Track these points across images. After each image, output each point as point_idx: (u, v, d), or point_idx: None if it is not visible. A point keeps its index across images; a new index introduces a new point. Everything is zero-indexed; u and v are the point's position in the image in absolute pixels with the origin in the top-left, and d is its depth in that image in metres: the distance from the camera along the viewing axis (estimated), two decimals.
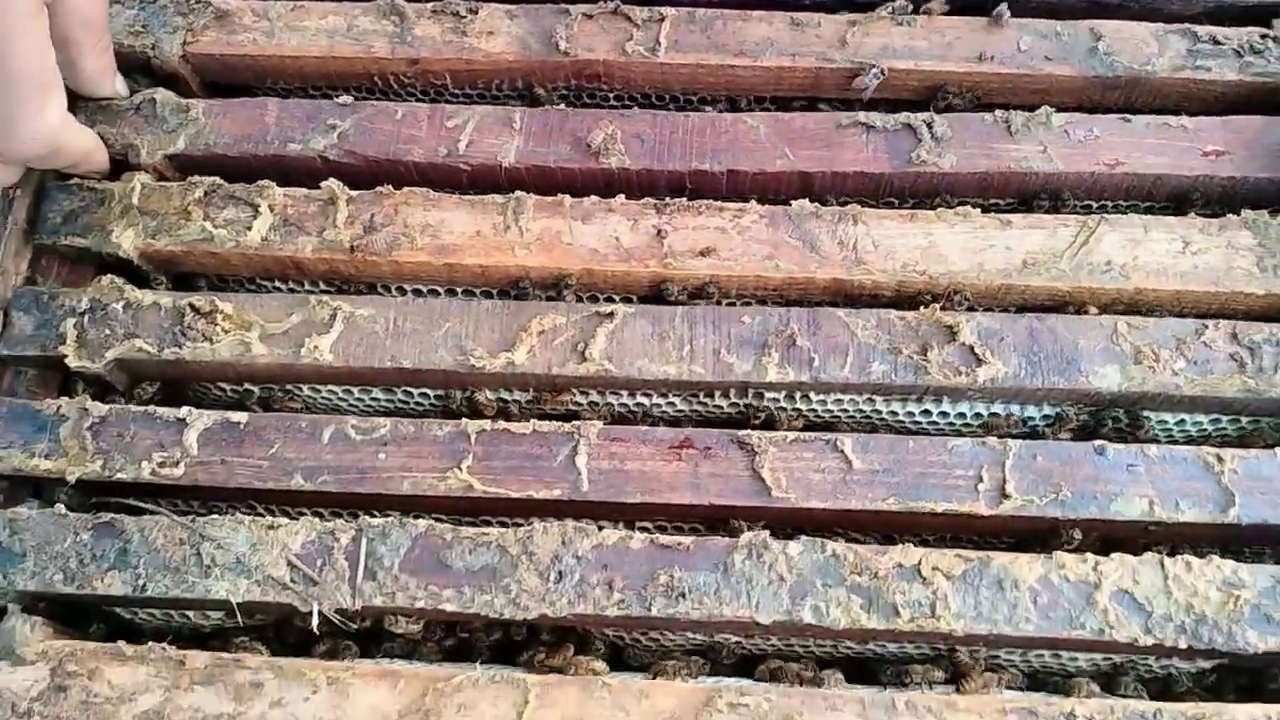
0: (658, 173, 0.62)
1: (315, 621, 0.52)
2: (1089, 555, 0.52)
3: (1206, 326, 0.57)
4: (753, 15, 0.66)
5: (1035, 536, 0.55)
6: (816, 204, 0.61)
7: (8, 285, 0.61)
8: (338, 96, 0.66)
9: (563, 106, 0.65)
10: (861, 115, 0.63)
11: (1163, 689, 0.56)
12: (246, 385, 0.63)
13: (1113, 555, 0.52)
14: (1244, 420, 0.60)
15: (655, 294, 0.61)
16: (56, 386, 0.61)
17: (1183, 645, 0.51)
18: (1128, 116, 0.62)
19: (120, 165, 0.65)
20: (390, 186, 0.62)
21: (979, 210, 0.60)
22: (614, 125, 0.62)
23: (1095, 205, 0.63)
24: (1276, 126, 0.61)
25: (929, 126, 0.61)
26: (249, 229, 0.61)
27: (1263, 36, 0.64)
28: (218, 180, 0.62)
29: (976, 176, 0.61)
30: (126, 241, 0.61)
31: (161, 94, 0.64)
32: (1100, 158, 0.60)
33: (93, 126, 0.62)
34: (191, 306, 0.59)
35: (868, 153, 0.61)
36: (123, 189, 0.62)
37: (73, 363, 0.58)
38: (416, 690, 0.51)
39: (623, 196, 0.62)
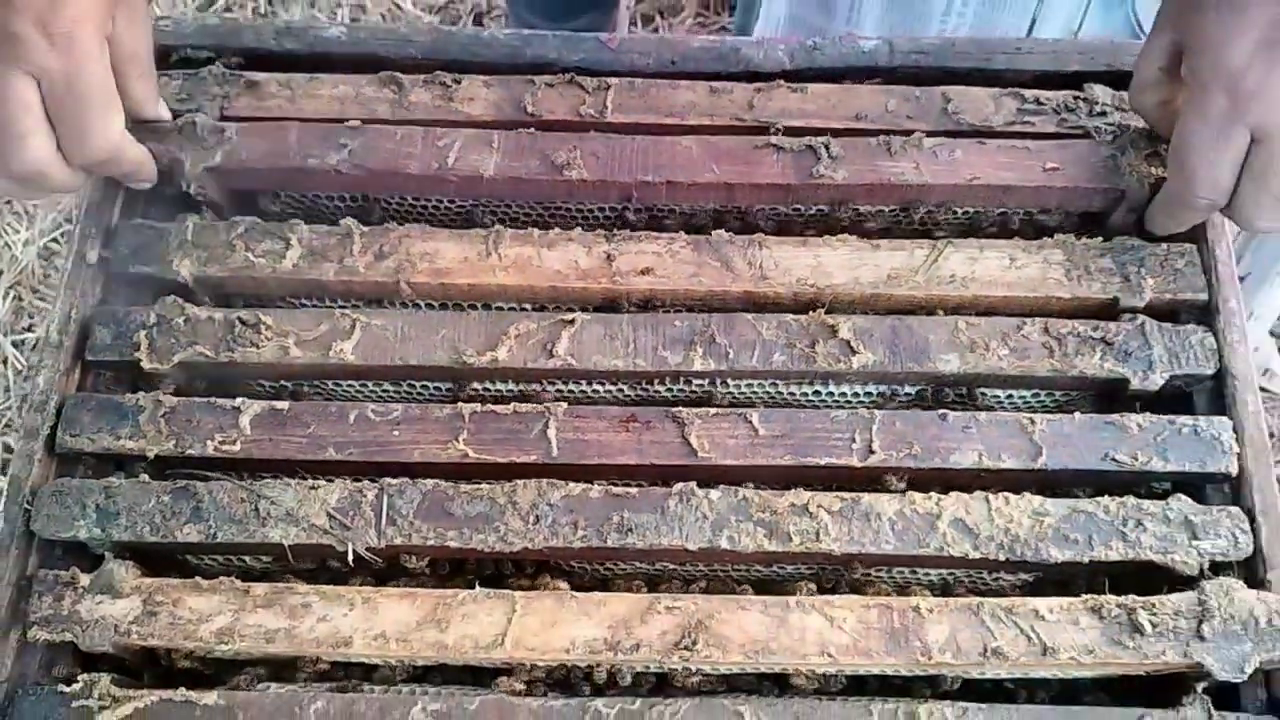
0: (610, 183, 0.77)
1: (350, 557, 0.68)
2: (933, 494, 0.69)
3: (1025, 323, 0.74)
4: (680, 84, 0.83)
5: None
6: (731, 233, 0.78)
7: (87, 305, 0.77)
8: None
9: (533, 130, 0.79)
10: (774, 139, 0.78)
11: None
12: (283, 381, 0.79)
13: (950, 494, 0.70)
14: (1057, 394, 0.78)
15: (607, 304, 0.77)
16: (129, 385, 0.76)
17: (1001, 558, 0.68)
18: (984, 140, 0.77)
19: (164, 176, 0.77)
20: (395, 223, 0.79)
21: (855, 236, 0.77)
22: (574, 146, 0.77)
23: (959, 211, 0.80)
24: (1097, 148, 0.77)
25: (826, 148, 0.77)
26: (282, 258, 0.77)
27: (1075, 98, 0.82)
28: (255, 220, 0.78)
29: (864, 186, 0.77)
30: (184, 269, 0.76)
31: (200, 117, 0.77)
32: (961, 173, 0.76)
33: (142, 143, 0.75)
34: (240, 320, 0.75)
35: (778, 168, 0.77)
36: (178, 228, 0.78)
37: (146, 365, 0.74)
38: (430, 605, 0.67)
39: (580, 229, 0.78)
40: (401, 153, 0.78)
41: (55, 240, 1.56)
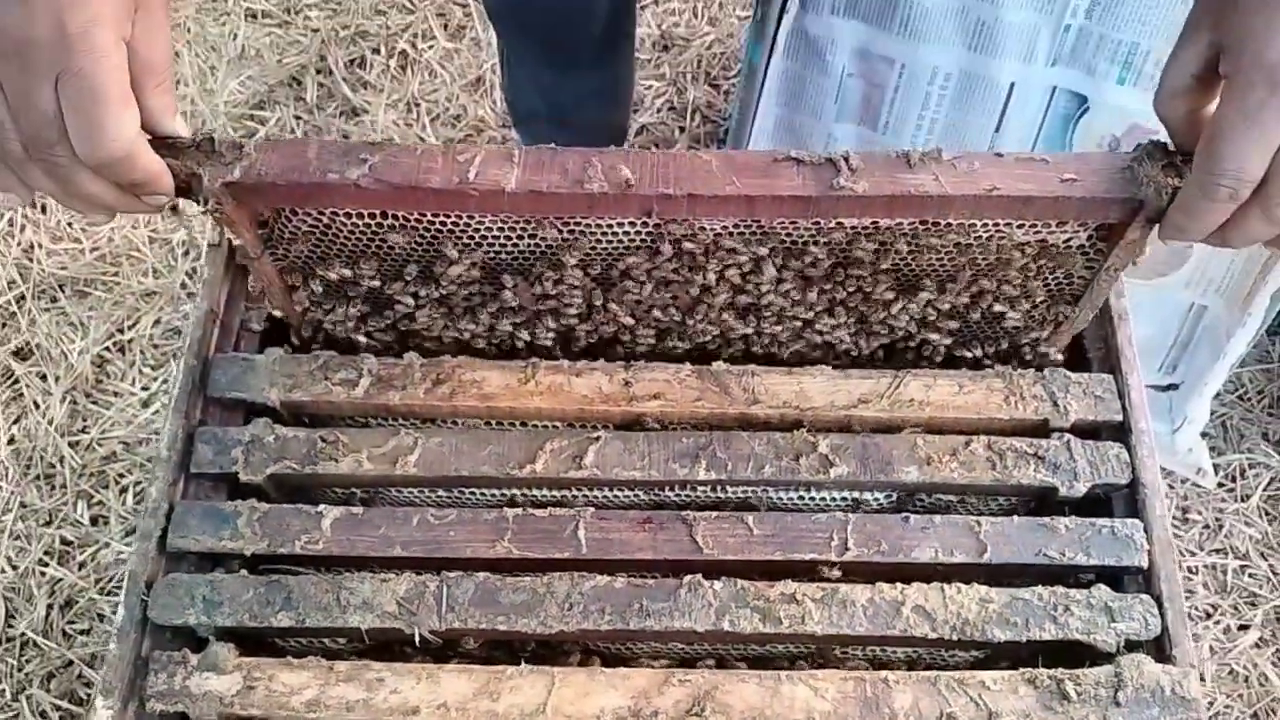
0: (630, 197, 0.80)
1: (416, 639, 0.82)
2: (898, 585, 0.84)
3: (972, 440, 0.89)
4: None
5: (863, 574, 0.87)
6: (727, 364, 0.94)
7: (192, 424, 0.92)
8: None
9: (553, 146, 0.81)
10: (793, 152, 0.80)
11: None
12: (355, 490, 0.94)
13: (912, 584, 0.84)
14: (1000, 499, 0.93)
15: (626, 424, 0.93)
16: (227, 494, 0.91)
17: (954, 638, 0.82)
18: (1000, 152, 0.80)
19: (181, 191, 0.77)
20: (449, 356, 0.94)
21: (831, 368, 0.93)
22: (596, 160, 0.80)
23: (979, 224, 0.82)
24: (1112, 159, 0.79)
25: (846, 160, 0.79)
26: (355, 385, 0.92)
27: None
28: (333, 354, 0.93)
29: (884, 199, 0.79)
30: (272, 395, 0.91)
31: (218, 134, 0.79)
32: (980, 184, 0.79)
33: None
34: (321, 438, 0.90)
35: (799, 181, 0.79)
36: (266, 360, 0.93)
37: (242, 477, 0.88)
38: (483, 679, 0.81)
39: (603, 360, 0.94)
40: (422, 168, 0.78)
41: (107, 349, 1.70)
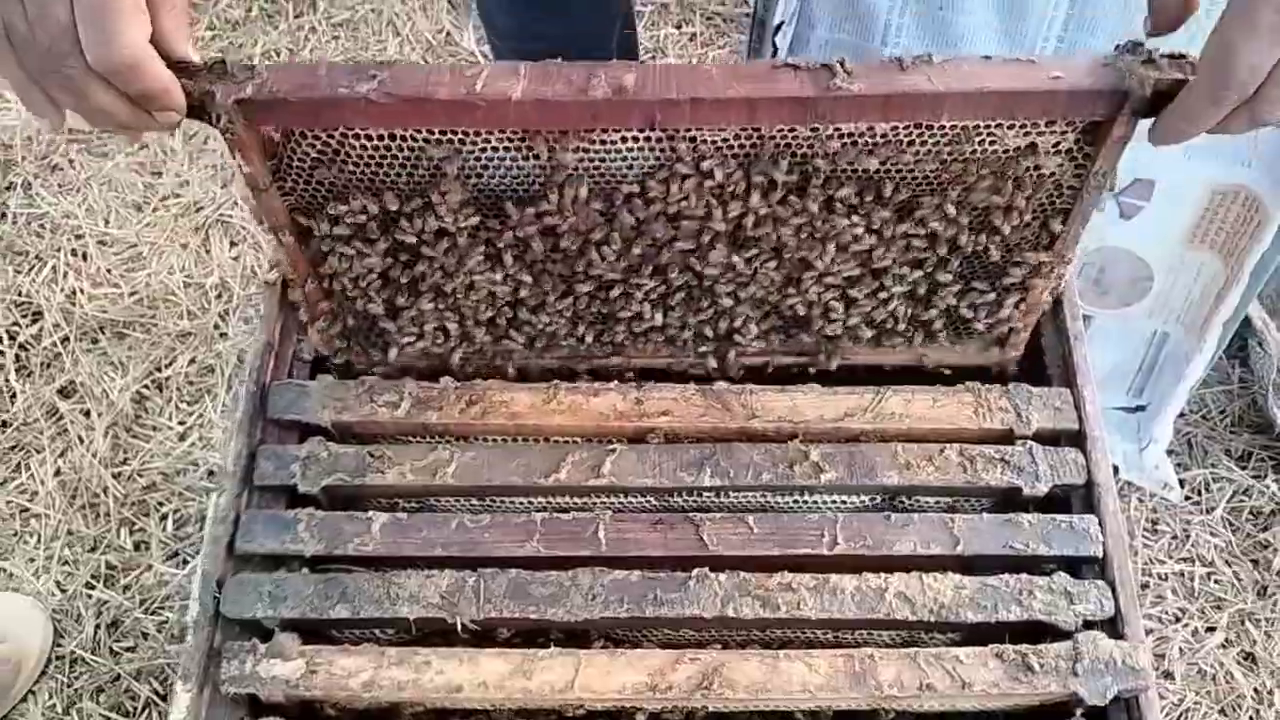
0: (633, 103, 0.80)
1: (459, 627, 0.93)
2: (881, 573, 0.95)
3: (946, 448, 1.01)
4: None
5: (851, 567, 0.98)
6: (728, 382, 1.06)
7: (253, 443, 1.03)
8: None
9: (559, 60, 0.83)
10: (790, 59, 0.81)
11: None
12: (397, 499, 1.06)
13: (895, 574, 0.96)
14: (971, 499, 1.05)
15: (638, 437, 1.04)
16: (286, 503, 1.02)
17: (932, 620, 0.93)
18: (989, 55, 0.83)
19: (194, 111, 0.78)
20: (480, 380, 1.06)
21: (820, 385, 1.05)
22: (600, 71, 0.82)
23: (971, 125, 0.84)
24: (1095, 59, 0.82)
25: (841, 65, 0.82)
26: (398, 407, 1.03)
27: None
28: (377, 379, 1.05)
29: (880, 99, 0.82)
30: (325, 416, 1.03)
31: (229, 58, 0.78)
32: (971, 82, 0.82)
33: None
34: (369, 454, 1.01)
35: (797, 83, 0.82)
36: (318, 386, 1.05)
37: (300, 488, 0.99)
38: (517, 661, 0.91)
39: (617, 382, 1.06)
40: (430, 81, 0.79)
41: (145, 387, 1.82)
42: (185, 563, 1.65)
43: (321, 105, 0.81)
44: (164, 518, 1.70)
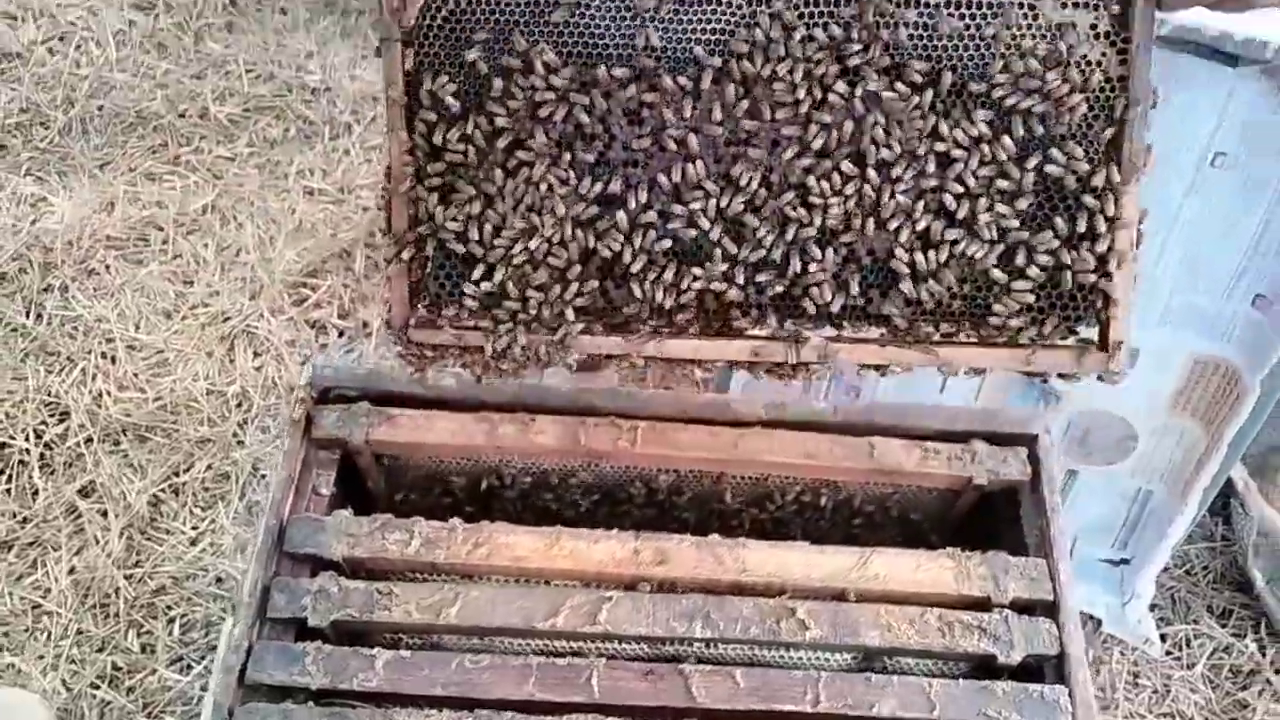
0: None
1: None
2: None
3: (926, 611, 1.06)
4: (689, 427, 1.18)
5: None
6: (719, 535, 1.11)
7: (268, 576, 1.09)
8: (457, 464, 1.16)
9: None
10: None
11: None
12: (401, 635, 1.11)
13: None
14: (948, 663, 1.09)
15: (633, 585, 1.10)
16: (296, 635, 1.07)
17: None
18: None
19: None
20: (488, 522, 1.12)
21: (808, 543, 1.10)
22: None
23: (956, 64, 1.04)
24: None
25: None
26: (408, 546, 1.10)
27: (963, 450, 1.17)
28: (390, 516, 1.11)
29: None
30: (338, 552, 1.09)
31: None
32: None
33: None
34: (377, 590, 1.07)
35: None
36: (333, 521, 1.11)
37: (311, 622, 1.05)
38: None
39: (617, 530, 1.12)
40: None
41: (162, 490, 1.88)
42: (189, 668, 1.69)
43: None
44: (171, 621, 1.74)
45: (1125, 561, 1.67)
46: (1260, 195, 1.37)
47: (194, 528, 1.85)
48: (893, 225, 1.08)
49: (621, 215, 1.09)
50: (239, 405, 1.97)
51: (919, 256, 1.09)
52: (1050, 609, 1.08)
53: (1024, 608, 1.08)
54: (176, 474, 1.90)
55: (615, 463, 1.20)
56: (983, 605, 1.08)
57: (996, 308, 1.09)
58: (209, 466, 1.91)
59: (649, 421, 1.18)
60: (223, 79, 2.47)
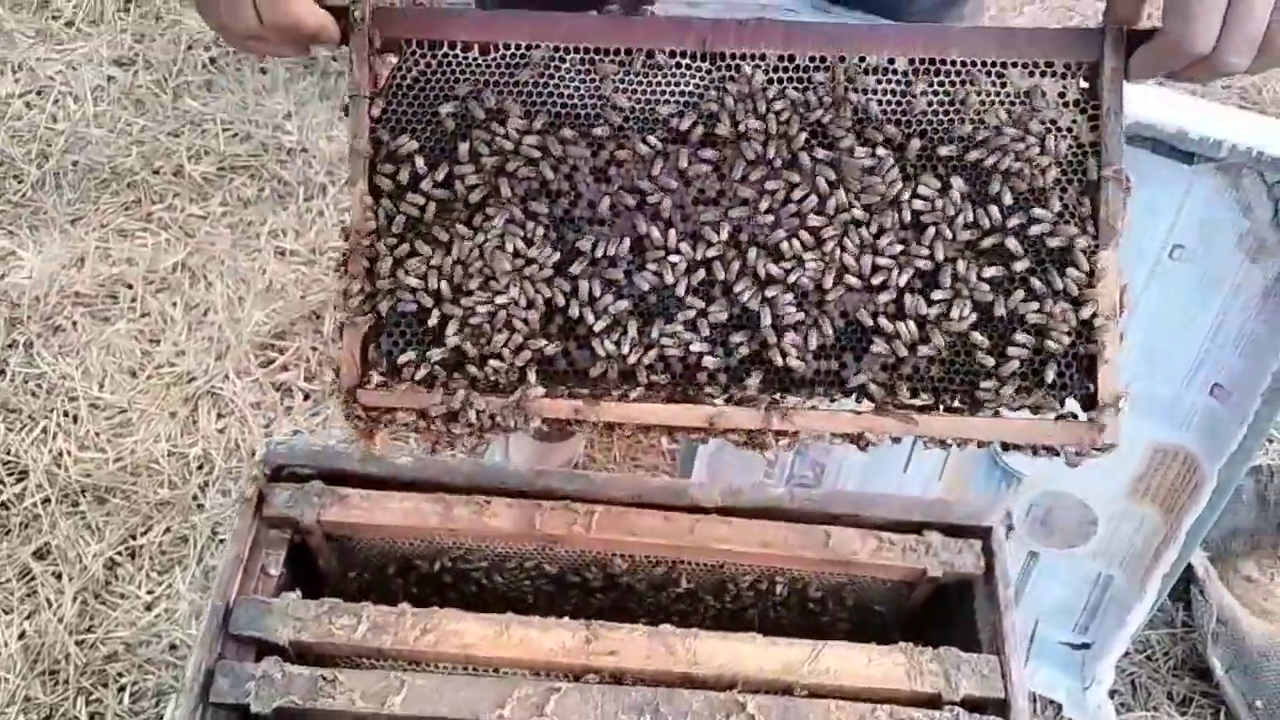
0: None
1: None
2: None
3: (877, 708, 1.05)
4: (645, 512, 1.18)
5: None
6: (672, 625, 1.10)
7: (212, 658, 1.07)
8: (410, 545, 1.15)
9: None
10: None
11: None
12: None
13: None
14: None
15: (584, 675, 1.08)
16: None
17: None
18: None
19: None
20: (438, 608, 1.10)
21: (762, 635, 1.10)
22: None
23: (979, 64, 1.07)
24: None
25: None
26: (355, 631, 1.08)
27: (917, 541, 1.17)
28: (338, 600, 1.10)
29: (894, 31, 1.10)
30: (284, 636, 1.07)
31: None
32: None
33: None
34: (322, 677, 1.05)
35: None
36: (281, 604, 1.10)
37: (254, 708, 1.03)
38: None
39: (568, 618, 1.10)
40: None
41: (119, 553, 1.86)
42: None
43: (433, 20, 1.11)
44: (122, 689, 1.71)
45: (1086, 646, 1.67)
46: (1216, 290, 1.39)
47: (149, 592, 1.83)
48: (868, 288, 1.10)
49: (585, 274, 1.10)
50: (200, 467, 1.96)
51: (896, 322, 1.10)
52: (1001, 707, 1.07)
53: (975, 705, 1.07)
54: (134, 536, 1.88)
55: (570, 547, 1.19)
56: (934, 702, 1.07)
57: (984, 380, 1.10)
58: (167, 530, 1.89)
59: (605, 506, 1.18)
60: (199, 137, 2.48)
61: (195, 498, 1.92)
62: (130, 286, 2.20)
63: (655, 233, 1.10)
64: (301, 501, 1.16)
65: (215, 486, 1.93)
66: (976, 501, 1.25)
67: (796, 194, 1.10)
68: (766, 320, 1.11)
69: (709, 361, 1.12)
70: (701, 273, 1.11)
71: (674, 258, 1.11)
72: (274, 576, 1.15)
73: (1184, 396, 1.47)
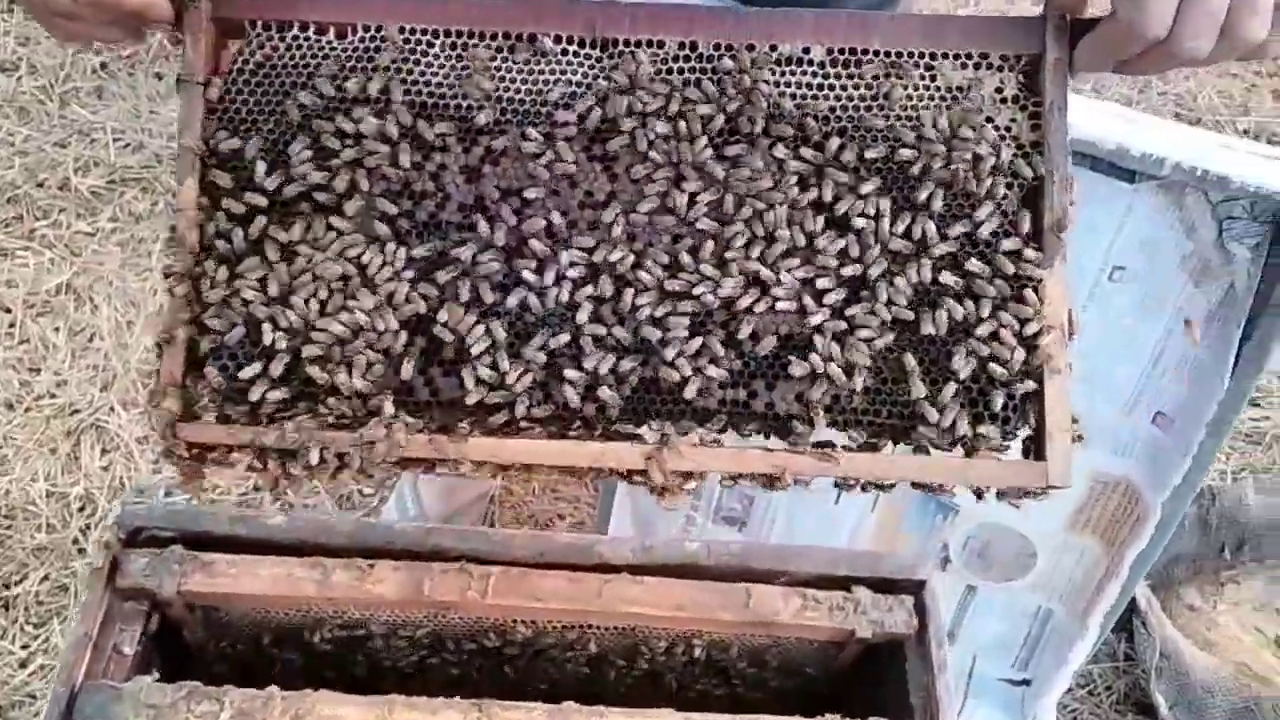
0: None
1: None
2: None
3: None
4: (548, 574, 1.07)
5: None
6: (581, 692, 0.99)
7: None
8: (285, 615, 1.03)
9: None
10: None
11: None
12: None
13: None
14: None
15: None
16: None
17: None
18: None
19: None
20: (310, 690, 0.98)
21: (673, 709, 0.99)
22: None
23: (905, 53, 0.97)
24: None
25: None
26: (217, 719, 0.96)
27: (845, 598, 1.07)
28: (197, 684, 0.97)
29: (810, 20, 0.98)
30: None
31: None
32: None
33: None
34: None
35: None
36: (131, 688, 0.97)
37: None
38: None
39: (459, 698, 0.99)
40: None
41: None
42: None
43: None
44: None
45: (1026, 683, 1.59)
46: (1159, 312, 1.32)
47: (24, 647, 1.68)
48: (779, 304, 0.98)
49: (453, 288, 0.98)
50: (82, 509, 1.81)
51: (813, 341, 0.99)
52: None
53: None
54: (8, 586, 1.73)
55: (465, 614, 1.07)
56: None
57: (919, 411, 0.99)
58: (45, 578, 1.74)
59: (503, 568, 1.06)
60: (88, 147, 2.32)
61: (76, 542, 1.78)
62: (9, 310, 2.03)
63: (536, 243, 0.98)
64: (160, 570, 1.03)
65: (98, 529, 1.79)
66: (907, 554, 1.16)
67: (700, 199, 0.98)
68: (662, 349, 0.99)
69: (603, 393, 1.00)
70: (589, 288, 0.99)
71: (554, 271, 0.98)
72: (128, 656, 1.02)
73: (1125, 424, 1.39)
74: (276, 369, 0.99)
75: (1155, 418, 1.37)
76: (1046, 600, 1.53)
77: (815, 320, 0.98)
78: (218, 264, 0.99)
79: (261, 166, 0.98)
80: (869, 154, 0.97)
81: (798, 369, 0.99)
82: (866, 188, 0.97)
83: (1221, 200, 1.21)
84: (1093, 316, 1.34)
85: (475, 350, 0.99)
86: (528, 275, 0.98)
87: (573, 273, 0.98)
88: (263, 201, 0.99)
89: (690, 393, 1.00)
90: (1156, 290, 1.31)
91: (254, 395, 1.00)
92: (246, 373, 1.00)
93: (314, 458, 0.99)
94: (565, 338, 0.99)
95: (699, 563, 1.09)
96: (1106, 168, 1.20)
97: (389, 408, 0.99)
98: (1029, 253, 0.97)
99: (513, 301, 0.99)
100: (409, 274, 0.99)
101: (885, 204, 0.97)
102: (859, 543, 1.54)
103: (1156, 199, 1.24)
